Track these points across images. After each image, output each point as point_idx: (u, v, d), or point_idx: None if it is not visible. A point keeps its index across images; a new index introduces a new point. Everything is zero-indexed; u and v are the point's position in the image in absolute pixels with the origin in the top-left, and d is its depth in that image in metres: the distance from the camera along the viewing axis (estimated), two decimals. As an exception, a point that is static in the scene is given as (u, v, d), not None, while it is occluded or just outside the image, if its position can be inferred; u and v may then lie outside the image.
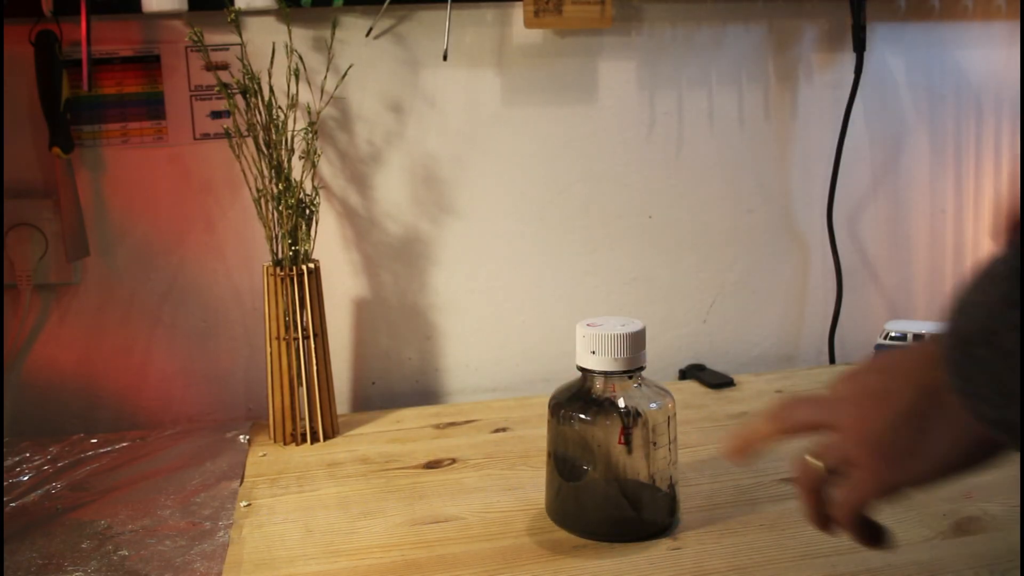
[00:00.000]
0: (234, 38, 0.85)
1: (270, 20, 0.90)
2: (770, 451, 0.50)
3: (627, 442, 0.62)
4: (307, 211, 0.84)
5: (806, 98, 1.05)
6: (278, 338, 0.83)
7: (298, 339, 0.83)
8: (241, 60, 0.84)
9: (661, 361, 1.06)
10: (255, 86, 0.82)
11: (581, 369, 0.64)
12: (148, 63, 0.89)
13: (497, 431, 0.86)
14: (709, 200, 1.05)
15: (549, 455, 0.66)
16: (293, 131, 0.85)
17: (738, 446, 0.50)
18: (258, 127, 0.83)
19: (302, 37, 0.90)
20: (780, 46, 1.03)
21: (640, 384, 0.64)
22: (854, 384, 0.44)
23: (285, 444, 0.84)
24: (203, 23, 0.86)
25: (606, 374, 0.63)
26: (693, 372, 1.02)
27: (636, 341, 0.62)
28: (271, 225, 0.83)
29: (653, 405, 0.63)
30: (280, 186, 0.82)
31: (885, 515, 0.64)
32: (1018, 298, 0.31)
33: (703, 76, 1.02)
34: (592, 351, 0.62)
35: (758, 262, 1.08)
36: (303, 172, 0.85)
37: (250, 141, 0.83)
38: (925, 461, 0.39)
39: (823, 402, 0.45)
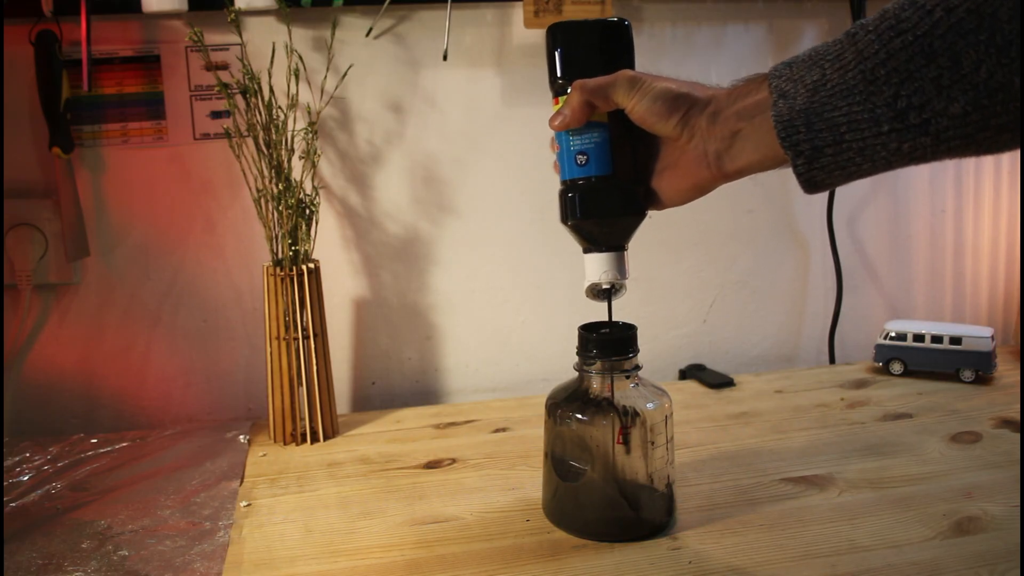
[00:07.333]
0: (234, 38, 0.85)
1: (270, 20, 0.90)
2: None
3: (625, 442, 0.62)
4: (307, 211, 0.84)
5: (806, 98, 1.05)
6: (278, 338, 0.83)
7: (298, 339, 0.83)
8: (241, 60, 0.84)
9: (661, 361, 1.06)
10: (255, 86, 0.82)
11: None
12: (148, 63, 0.89)
13: (497, 431, 0.86)
14: (709, 200, 1.03)
15: (546, 455, 0.66)
16: (293, 131, 0.85)
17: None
18: (258, 127, 0.83)
19: (302, 37, 0.90)
20: (780, 46, 1.03)
21: (637, 384, 0.64)
22: None
23: (285, 444, 0.84)
24: (203, 23, 0.87)
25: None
26: (693, 372, 1.02)
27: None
28: (271, 225, 0.83)
29: (650, 405, 0.63)
30: (280, 186, 0.82)
31: (885, 516, 0.65)
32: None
33: (703, 76, 1.01)
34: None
35: (758, 262, 1.08)
36: (303, 172, 0.85)
37: (250, 141, 0.83)
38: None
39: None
